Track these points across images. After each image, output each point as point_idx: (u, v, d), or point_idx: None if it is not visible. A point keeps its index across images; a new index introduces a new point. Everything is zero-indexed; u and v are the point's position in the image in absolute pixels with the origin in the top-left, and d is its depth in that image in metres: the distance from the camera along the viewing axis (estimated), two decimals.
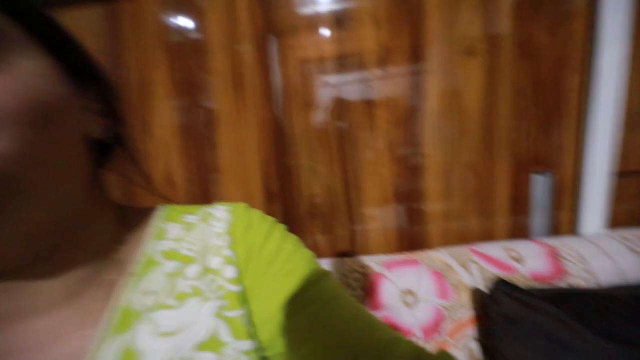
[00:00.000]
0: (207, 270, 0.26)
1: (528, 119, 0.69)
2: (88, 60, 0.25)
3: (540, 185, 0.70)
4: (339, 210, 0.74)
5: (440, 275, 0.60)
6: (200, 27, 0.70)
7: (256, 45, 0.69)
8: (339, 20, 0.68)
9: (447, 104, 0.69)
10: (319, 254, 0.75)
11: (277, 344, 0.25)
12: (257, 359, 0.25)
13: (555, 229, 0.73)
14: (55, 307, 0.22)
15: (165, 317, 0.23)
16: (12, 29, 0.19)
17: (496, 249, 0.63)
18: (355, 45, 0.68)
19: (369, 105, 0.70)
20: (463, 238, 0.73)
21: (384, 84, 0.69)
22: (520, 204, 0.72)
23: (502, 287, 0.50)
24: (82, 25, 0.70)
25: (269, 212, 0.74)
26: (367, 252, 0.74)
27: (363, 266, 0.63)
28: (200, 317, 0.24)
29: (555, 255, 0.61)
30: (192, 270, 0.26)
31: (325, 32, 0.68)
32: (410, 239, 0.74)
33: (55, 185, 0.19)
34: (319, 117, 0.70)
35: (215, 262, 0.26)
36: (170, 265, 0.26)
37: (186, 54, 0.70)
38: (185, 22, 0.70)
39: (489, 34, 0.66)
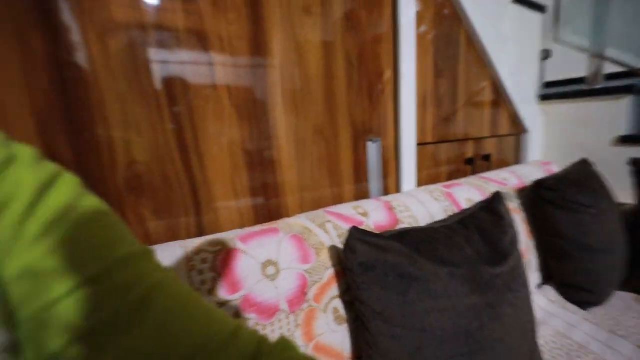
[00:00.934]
0: None
1: (359, 89, 0.77)
2: None
3: (374, 151, 0.80)
4: (175, 180, 0.57)
5: (300, 239, 0.56)
6: None
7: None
8: None
9: (290, 66, 0.67)
10: (150, 239, 0.56)
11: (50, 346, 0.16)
12: None
13: (386, 190, 0.86)
14: None
15: None
16: None
17: (346, 208, 0.66)
18: (188, 21, 0.55)
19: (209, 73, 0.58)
20: (318, 206, 0.74)
21: (226, 70, 0.60)
22: (360, 169, 0.80)
23: (357, 234, 0.51)
24: None
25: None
26: (219, 231, 0.61)
27: (212, 243, 0.50)
28: None
29: (390, 208, 0.69)
30: None
31: None
32: (269, 212, 0.68)
33: None
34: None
35: None
36: None
37: None
38: None
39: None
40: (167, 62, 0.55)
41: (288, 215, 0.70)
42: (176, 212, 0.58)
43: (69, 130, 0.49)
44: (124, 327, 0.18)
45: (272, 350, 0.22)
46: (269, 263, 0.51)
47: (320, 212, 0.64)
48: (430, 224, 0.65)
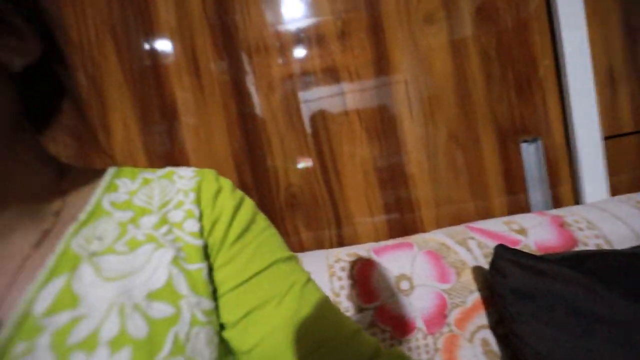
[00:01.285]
0: (164, 221, 0.25)
1: (503, 84, 0.66)
2: None
3: (531, 154, 0.66)
4: (320, 198, 0.67)
5: (437, 255, 0.53)
6: (167, 50, 0.68)
7: (221, 63, 0.67)
8: (306, 37, 0.67)
9: (415, 77, 0.66)
10: (302, 247, 0.68)
11: (235, 319, 0.24)
12: (215, 324, 0.24)
13: (556, 202, 0.68)
14: None
15: (111, 262, 0.22)
16: None
17: (495, 224, 0.57)
18: (322, 60, 0.67)
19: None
20: (458, 221, 0.67)
21: (355, 96, 0.67)
22: (514, 176, 0.67)
23: (506, 254, 0.43)
24: None
25: None
26: (356, 243, 0.67)
27: (350, 254, 0.55)
28: (152, 262, 0.22)
29: (561, 224, 0.54)
30: (147, 220, 0.25)
31: (290, 49, 0.67)
32: (403, 227, 0.68)
33: None
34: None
35: (176, 215, 0.26)
36: (122, 214, 0.25)
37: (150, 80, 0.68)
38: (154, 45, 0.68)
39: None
40: (309, 100, 0.67)
41: (424, 231, 0.67)
42: (321, 225, 0.68)
43: (251, 163, 0.68)
44: (289, 302, 0.25)
45: (388, 355, 0.24)
46: (402, 277, 0.51)
47: (460, 228, 0.58)
48: (633, 248, 0.46)
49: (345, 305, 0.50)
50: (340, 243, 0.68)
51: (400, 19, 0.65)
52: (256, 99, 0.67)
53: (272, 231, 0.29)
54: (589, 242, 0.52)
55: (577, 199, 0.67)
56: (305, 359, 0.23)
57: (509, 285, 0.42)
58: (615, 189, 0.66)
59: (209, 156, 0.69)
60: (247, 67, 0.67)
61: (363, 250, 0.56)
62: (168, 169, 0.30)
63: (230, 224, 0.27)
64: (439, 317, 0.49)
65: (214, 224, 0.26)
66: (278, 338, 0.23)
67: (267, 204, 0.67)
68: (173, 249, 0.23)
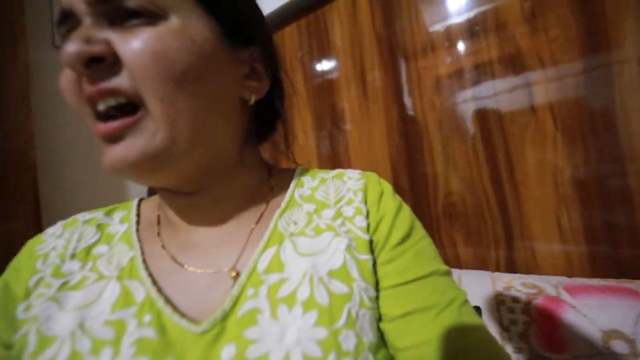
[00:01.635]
0: (339, 215, 0.29)
1: None
2: (252, 23, 0.29)
3: None
4: (487, 211, 0.58)
5: None
6: (339, 66, 0.78)
7: (384, 71, 0.70)
8: (472, 29, 0.59)
9: None
10: (459, 263, 0.61)
11: (394, 315, 0.26)
12: (376, 312, 0.26)
13: None
14: (221, 224, 0.30)
15: (304, 242, 0.27)
16: None
17: None
18: (501, 50, 0.57)
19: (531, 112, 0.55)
20: None
21: (547, 86, 0.53)
22: None
23: None
24: None
25: None
26: (533, 272, 0.54)
27: (527, 284, 0.45)
28: (331, 247, 0.27)
29: None
30: (327, 212, 0.30)
31: (460, 45, 0.61)
32: (616, 264, 0.49)
33: (206, 141, 0.25)
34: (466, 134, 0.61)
35: (348, 210, 0.30)
36: (308, 206, 0.31)
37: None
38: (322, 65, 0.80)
39: None
40: (480, 97, 0.59)
41: None
42: (486, 242, 0.59)
43: (408, 168, 0.67)
44: (448, 316, 0.25)
45: None
46: (616, 335, 0.37)
47: None
48: None
49: (516, 344, 0.41)
50: (510, 268, 0.56)
51: None
52: (418, 102, 0.66)
53: (429, 240, 0.30)
54: None
55: None
56: None
57: None
58: None
59: (368, 159, 0.74)
60: (411, 72, 0.67)
61: (548, 283, 0.44)
62: (338, 171, 0.35)
63: (392, 226, 0.29)
64: None
65: (378, 223, 0.29)
66: (434, 349, 0.23)
67: (422, 211, 0.65)
68: (347, 239, 0.27)
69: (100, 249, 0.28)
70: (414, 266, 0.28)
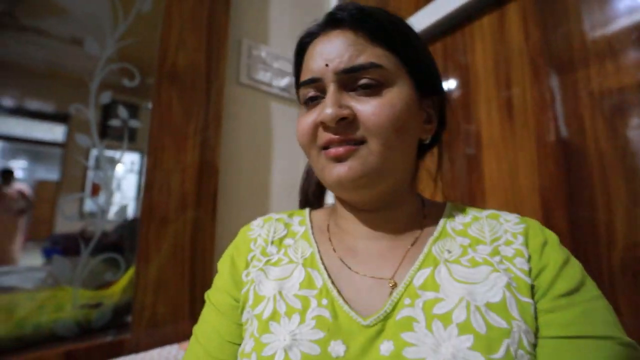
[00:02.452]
0: (497, 253, 0.31)
1: None
2: (435, 79, 0.36)
3: None
4: None
5: None
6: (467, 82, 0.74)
7: (537, 89, 0.62)
8: None
9: None
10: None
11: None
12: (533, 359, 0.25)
13: None
14: (383, 240, 0.35)
15: (459, 270, 0.30)
16: (393, 63, 0.32)
17: None
18: None
19: None
20: None
21: None
22: None
23: None
24: None
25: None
26: None
27: None
28: (490, 280, 0.28)
29: None
30: (483, 248, 0.32)
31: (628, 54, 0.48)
32: None
33: (391, 167, 0.32)
34: None
35: (507, 251, 0.31)
36: (461, 239, 0.33)
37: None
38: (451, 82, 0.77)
39: None
40: None
41: None
42: None
43: (568, 206, 0.56)
44: None
45: None
46: None
47: None
48: None
49: None
50: None
51: None
52: (589, 125, 0.55)
53: (606, 303, 0.28)
54: None
55: None
56: None
57: None
58: None
59: (509, 191, 0.65)
60: (575, 88, 0.56)
61: None
62: (492, 211, 0.36)
63: (557, 276, 0.28)
64: None
65: (540, 270, 0.29)
66: None
67: (589, 266, 0.52)
68: (507, 277, 0.28)
69: (288, 241, 0.38)
70: (584, 323, 0.25)
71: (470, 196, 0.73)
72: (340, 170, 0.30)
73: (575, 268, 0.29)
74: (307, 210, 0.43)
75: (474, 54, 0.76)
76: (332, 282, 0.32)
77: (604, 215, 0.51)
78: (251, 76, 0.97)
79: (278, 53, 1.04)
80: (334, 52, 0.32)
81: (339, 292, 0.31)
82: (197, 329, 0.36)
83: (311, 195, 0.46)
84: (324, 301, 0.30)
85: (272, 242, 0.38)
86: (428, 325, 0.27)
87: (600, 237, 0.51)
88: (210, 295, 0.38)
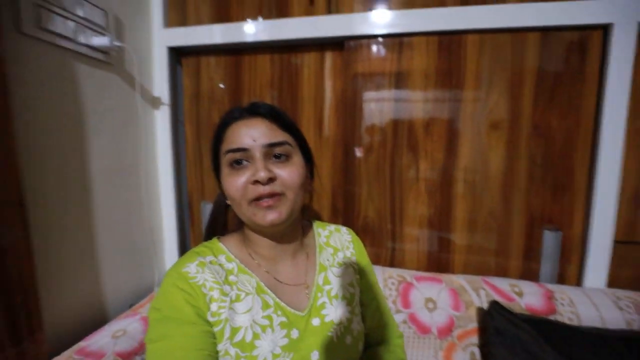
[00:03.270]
0: (345, 256, 0.61)
1: (542, 184, 0.88)
2: (309, 152, 0.56)
3: (550, 240, 0.88)
4: (385, 229, 0.98)
5: (456, 293, 0.82)
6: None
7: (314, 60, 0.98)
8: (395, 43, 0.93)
9: (472, 169, 0.90)
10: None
11: (363, 300, 0.61)
12: (357, 300, 0.59)
13: (561, 279, 0.90)
14: (290, 259, 0.55)
15: (335, 270, 0.58)
16: (293, 142, 0.51)
17: (503, 283, 0.83)
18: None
19: (410, 125, 0.94)
20: (480, 270, 0.93)
21: (426, 106, 0.92)
22: (532, 252, 0.91)
23: (496, 307, 0.71)
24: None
25: (334, 221, 1.01)
26: (402, 265, 0.97)
27: (399, 275, 0.86)
28: (347, 273, 0.58)
29: (550, 297, 0.79)
30: (340, 254, 0.61)
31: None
32: (438, 262, 0.96)
33: (297, 209, 0.51)
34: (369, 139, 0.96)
35: (348, 253, 0.62)
36: (329, 249, 0.60)
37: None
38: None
39: (510, 116, 0.87)
40: None
41: (452, 270, 0.95)
42: (382, 244, 0.99)
43: (343, 185, 1.00)
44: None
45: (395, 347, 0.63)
46: (430, 300, 0.81)
47: (478, 279, 0.85)
48: (588, 328, 0.70)
49: (390, 306, 0.82)
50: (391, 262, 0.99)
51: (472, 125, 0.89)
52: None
53: (369, 261, 0.66)
54: (565, 314, 0.76)
55: (578, 282, 0.89)
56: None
57: (493, 324, 0.70)
58: (613, 282, 0.87)
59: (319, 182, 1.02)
60: None
61: (407, 275, 0.87)
62: (334, 226, 0.66)
63: (362, 259, 0.65)
64: (447, 330, 0.79)
65: (360, 261, 0.64)
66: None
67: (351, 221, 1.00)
68: (351, 269, 0.60)
69: (232, 278, 0.49)
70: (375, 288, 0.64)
71: None
72: (273, 215, 0.47)
73: (364, 251, 0.66)
74: (219, 243, 0.54)
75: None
76: (279, 297, 0.50)
77: (357, 199, 0.98)
78: (42, 25, 0.69)
79: None
80: (258, 132, 0.48)
81: (283, 301, 0.49)
82: None
83: (219, 225, 0.60)
84: (279, 312, 0.48)
85: (223, 283, 0.47)
86: (330, 302, 0.53)
87: (355, 211, 0.98)
88: (167, 329, 0.41)
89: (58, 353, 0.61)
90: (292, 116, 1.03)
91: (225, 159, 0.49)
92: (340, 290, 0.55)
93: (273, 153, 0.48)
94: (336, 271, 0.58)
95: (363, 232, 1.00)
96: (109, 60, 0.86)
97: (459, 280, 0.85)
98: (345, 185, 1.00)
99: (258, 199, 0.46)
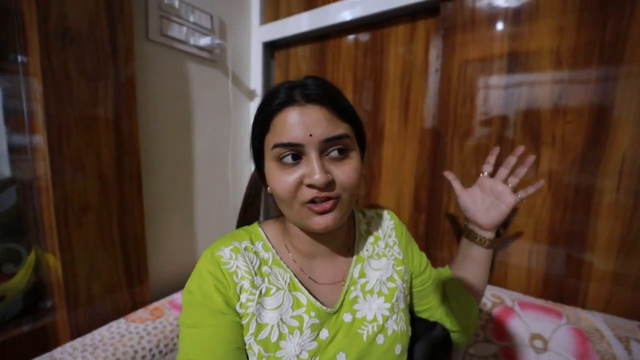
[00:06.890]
0: (387, 245, 0.55)
1: None
2: (365, 138, 0.48)
3: None
4: None
5: (585, 337, 0.57)
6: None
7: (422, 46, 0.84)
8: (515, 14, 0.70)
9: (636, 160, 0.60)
10: None
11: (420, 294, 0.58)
12: (407, 294, 0.55)
13: None
14: (329, 256, 0.50)
15: (373, 262, 0.52)
16: (352, 133, 0.43)
17: None
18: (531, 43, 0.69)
19: (537, 115, 0.70)
20: (633, 312, 0.63)
21: (561, 89, 0.67)
22: None
23: None
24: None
25: (415, 219, 0.88)
26: (502, 284, 0.76)
27: (495, 296, 0.67)
28: (386, 266, 0.52)
29: None
30: (380, 243, 0.55)
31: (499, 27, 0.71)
32: (559, 289, 0.70)
33: (351, 208, 0.45)
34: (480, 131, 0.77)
35: (390, 241, 0.55)
36: (369, 237, 0.55)
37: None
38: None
39: None
40: None
41: (582, 304, 0.67)
42: None
43: (430, 179, 0.85)
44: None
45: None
46: (538, 337, 0.60)
47: (630, 324, 0.58)
48: None
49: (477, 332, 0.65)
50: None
51: None
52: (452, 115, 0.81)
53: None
54: None
55: None
56: None
57: None
58: None
59: (399, 172, 0.90)
60: None
61: (507, 297, 0.67)
62: (375, 210, 0.59)
63: (413, 253, 0.59)
64: None
65: (404, 246, 0.57)
66: None
67: (433, 224, 0.84)
68: (392, 260, 0.53)
69: (265, 269, 0.45)
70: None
71: (372, 175, 0.96)
72: (327, 220, 0.41)
73: (409, 236, 0.59)
74: (258, 228, 0.50)
75: (388, 58, 0.91)
76: (313, 296, 0.45)
77: (446, 194, 0.82)
78: (163, 32, 0.84)
79: (193, 2, 0.91)
80: (315, 123, 0.39)
81: (319, 302, 0.45)
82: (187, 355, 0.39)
83: (251, 207, 0.59)
84: (312, 313, 0.43)
85: (255, 274, 0.43)
86: (364, 297, 0.48)
87: (441, 208, 0.83)
88: (198, 316, 0.40)
89: (157, 300, 0.74)
90: (375, 98, 0.96)
91: (273, 153, 0.41)
92: (377, 285, 0.50)
93: (330, 148, 0.40)
94: (375, 263, 0.52)
95: (449, 233, 0.83)
96: (212, 57, 0.98)
97: (594, 319, 0.59)
98: (432, 179, 0.85)
99: (311, 201, 0.41)
